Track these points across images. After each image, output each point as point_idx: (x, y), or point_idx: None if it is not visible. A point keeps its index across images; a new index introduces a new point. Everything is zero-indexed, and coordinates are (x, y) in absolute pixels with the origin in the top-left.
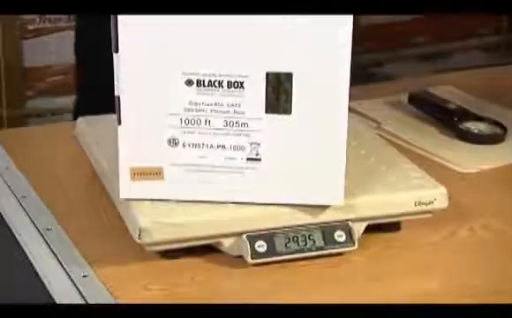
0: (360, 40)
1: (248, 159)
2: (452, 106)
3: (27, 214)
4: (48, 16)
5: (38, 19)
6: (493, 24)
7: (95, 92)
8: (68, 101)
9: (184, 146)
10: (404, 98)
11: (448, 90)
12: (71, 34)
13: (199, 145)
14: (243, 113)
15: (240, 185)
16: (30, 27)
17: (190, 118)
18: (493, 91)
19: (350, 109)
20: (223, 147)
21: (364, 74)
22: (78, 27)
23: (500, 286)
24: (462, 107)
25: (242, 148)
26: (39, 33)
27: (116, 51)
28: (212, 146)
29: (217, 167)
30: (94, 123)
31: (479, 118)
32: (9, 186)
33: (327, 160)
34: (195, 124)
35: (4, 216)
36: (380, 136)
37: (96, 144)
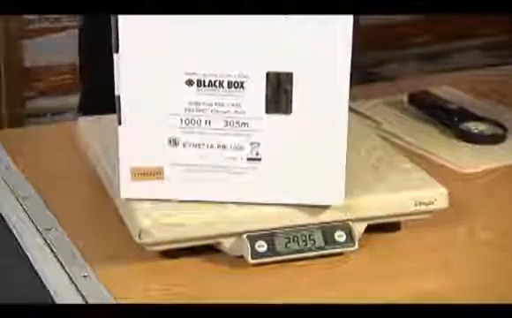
0: (360, 40)
1: (248, 159)
2: (452, 106)
3: (27, 214)
4: (48, 16)
5: (38, 19)
6: (492, 24)
7: (99, 92)
8: (68, 100)
9: (184, 146)
10: (404, 98)
11: (448, 90)
12: (72, 33)
13: (200, 145)
14: (243, 113)
15: (240, 185)
16: (30, 27)
17: (190, 118)
18: (493, 91)
19: (350, 109)
20: (224, 146)
21: (364, 74)
22: (81, 27)
23: (500, 286)
24: (462, 107)
25: (242, 148)
26: (39, 33)
27: (117, 51)
28: (212, 146)
29: (217, 167)
30: (94, 123)
31: (479, 118)
32: (9, 186)
33: (327, 160)
34: (195, 124)
35: (4, 216)
36: (380, 136)
37: (96, 144)
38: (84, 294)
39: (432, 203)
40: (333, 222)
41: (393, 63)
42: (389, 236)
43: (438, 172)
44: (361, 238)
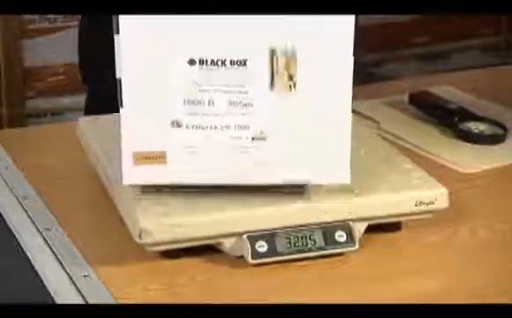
0: (360, 40)
1: (253, 138)
2: (452, 106)
3: (27, 214)
4: (48, 16)
5: (38, 19)
6: (493, 24)
7: (103, 92)
8: (68, 101)
9: (187, 127)
10: (404, 98)
11: (448, 90)
12: (71, 33)
13: (203, 126)
14: (246, 92)
15: (245, 166)
16: (30, 27)
17: (193, 99)
18: (493, 91)
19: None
20: (228, 127)
21: (364, 74)
22: (81, 28)
23: (500, 286)
24: (462, 107)
25: (246, 128)
26: (39, 33)
27: (118, 33)
28: (216, 127)
29: (221, 148)
30: (94, 123)
31: (479, 118)
32: (9, 186)
33: (332, 137)
34: (198, 105)
35: (4, 216)
36: (380, 136)
37: (97, 144)
38: (84, 294)
39: (433, 203)
40: (333, 222)
41: (393, 63)
42: (389, 236)
43: (438, 172)
44: (361, 238)
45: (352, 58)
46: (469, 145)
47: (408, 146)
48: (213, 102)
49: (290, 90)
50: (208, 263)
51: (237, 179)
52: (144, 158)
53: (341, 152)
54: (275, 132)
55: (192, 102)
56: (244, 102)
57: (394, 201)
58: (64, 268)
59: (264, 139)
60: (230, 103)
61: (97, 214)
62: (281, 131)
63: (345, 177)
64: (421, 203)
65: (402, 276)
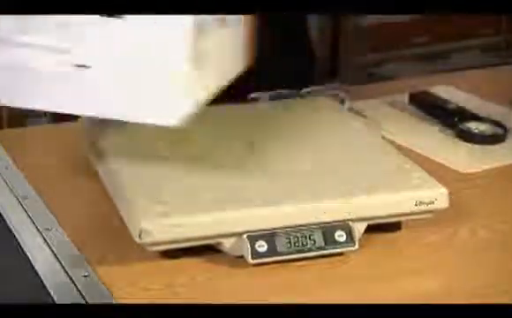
0: (361, 40)
1: (76, 66)
2: (452, 106)
3: (27, 214)
4: None
5: None
6: (493, 24)
7: None
8: None
9: (7, 45)
10: (404, 98)
11: (448, 90)
12: None
13: (28, 46)
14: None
15: (66, 95)
16: None
17: (18, 18)
18: (493, 91)
19: (350, 109)
20: (51, 49)
21: (364, 74)
22: None
23: (500, 286)
24: (462, 107)
25: (70, 53)
26: None
27: None
28: (39, 47)
29: (44, 72)
30: (94, 123)
31: (479, 118)
32: (9, 186)
33: (162, 73)
34: (25, 24)
35: (4, 216)
36: (380, 136)
37: (97, 144)
38: (84, 294)
39: (433, 203)
40: (333, 222)
41: (393, 63)
42: (389, 236)
43: (438, 172)
44: (361, 238)
45: None
46: (469, 145)
47: (408, 146)
48: (38, 21)
49: (119, 18)
50: (208, 263)
51: (57, 108)
52: None
53: (171, 90)
54: (101, 61)
55: (20, 20)
56: (71, 24)
57: (394, 201)
58: (64, 268)
59: (88, 67)
60: (57, 26)
61: (97, 214)
62: (107, 60)
63: (172, 118)
64: (421, 203)
65: (402, 276)
